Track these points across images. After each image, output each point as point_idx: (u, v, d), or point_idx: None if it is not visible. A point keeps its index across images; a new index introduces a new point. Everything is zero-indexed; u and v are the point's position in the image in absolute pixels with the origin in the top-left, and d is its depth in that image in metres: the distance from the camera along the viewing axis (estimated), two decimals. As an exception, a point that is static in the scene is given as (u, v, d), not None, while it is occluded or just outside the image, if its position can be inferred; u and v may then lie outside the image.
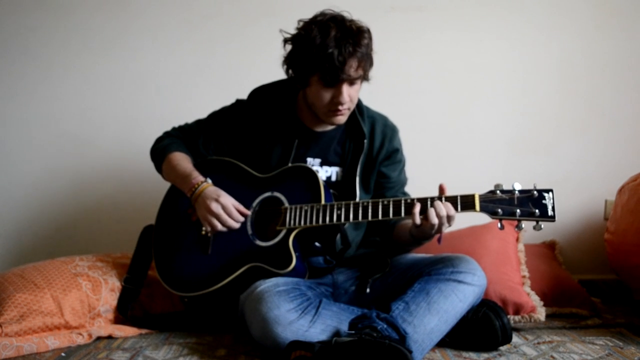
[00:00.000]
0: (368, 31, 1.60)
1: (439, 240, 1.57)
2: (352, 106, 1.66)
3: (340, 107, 1.61)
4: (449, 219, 1.48)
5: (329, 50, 1.52)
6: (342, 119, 1.67)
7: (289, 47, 1.63)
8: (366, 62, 1.59)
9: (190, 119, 1.88)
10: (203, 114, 1.87)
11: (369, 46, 1.59)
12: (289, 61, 1.65)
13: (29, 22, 2.43)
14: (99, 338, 1.71)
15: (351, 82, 1.59)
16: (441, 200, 1.48)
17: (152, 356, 1.54)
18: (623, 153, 2.45)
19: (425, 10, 2.45)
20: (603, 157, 2.46)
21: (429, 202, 1.49)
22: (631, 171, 2.11)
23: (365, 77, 1.64)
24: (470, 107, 2.48)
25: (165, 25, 2.45)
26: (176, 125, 1.90)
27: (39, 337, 1.62)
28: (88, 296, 1.76)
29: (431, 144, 2.45)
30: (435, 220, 1.46)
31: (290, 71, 1.66)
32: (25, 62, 2.44)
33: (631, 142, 2.46)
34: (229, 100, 1.85)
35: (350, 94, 1.61)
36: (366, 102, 1.81)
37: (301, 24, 1.61)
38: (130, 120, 2.45)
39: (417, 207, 1.49)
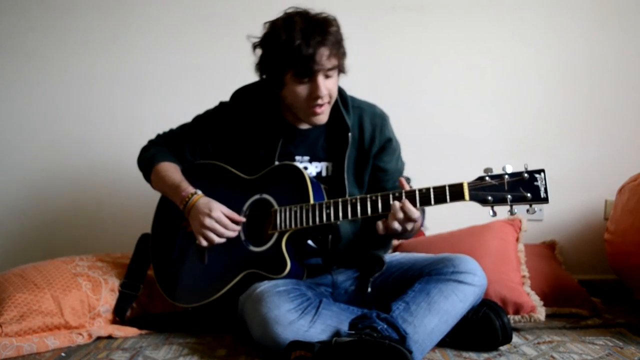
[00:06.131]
0: (334, 19, 1.56)
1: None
2: (332, 101, 1.62)
3: (319, 102, 1.57)
4: (407, 218, 1.45)
5: (296, 42, 1.48)
6: (322, 118, 1.62)
7: (259, 51, 1.59)
8: (338, 50, 1.55)
9: (190, 119, 1.88)
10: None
11: (337, 34, 1.55)
12: (260, 65, 1.61)
13: (28, 22, 2.43)
14: (99, 338, 1.71)
15: (326, 74, 1.55)
16: (429, 192, 1.43)
17: (152, 356, 1.54)
18: (623, 153, 2.44)
19: (426, 10, 2.45)
20: (603, 157, 2.46)
21: (417, 194, 1.45)
22: (631, 171, 2.10)
23: (340, 68, 1.59)
24: (470, 107, 2.47)
25: (165, 24, 2.45)
26: (180, 123, 1.88)
27: (39, 337, 1.62)
28: (88, 296, 1.76)
29: (431, 144, 2.45)
30: (399, 215, 1.45)
31: (264, 75, 1.62)
32: (25, 61, 2.44)
33: (631, 142, 2.45)
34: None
35: (327, 87, 1.56)
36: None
37: (267, 25, 1.58)
38: (130, 120, 2.45)
39: (397, 204, 1.46)
